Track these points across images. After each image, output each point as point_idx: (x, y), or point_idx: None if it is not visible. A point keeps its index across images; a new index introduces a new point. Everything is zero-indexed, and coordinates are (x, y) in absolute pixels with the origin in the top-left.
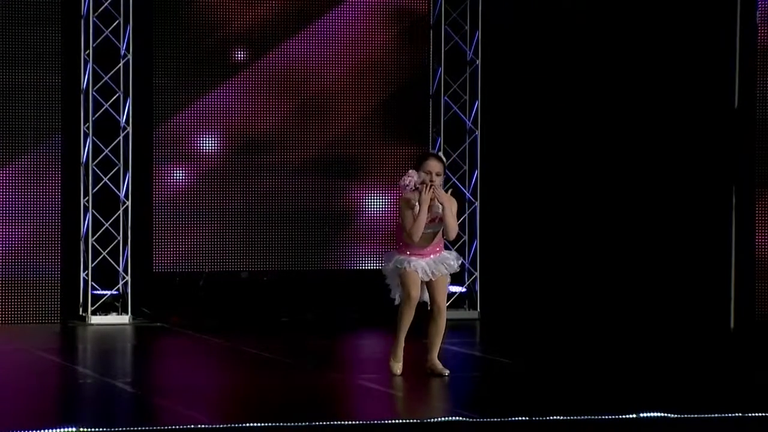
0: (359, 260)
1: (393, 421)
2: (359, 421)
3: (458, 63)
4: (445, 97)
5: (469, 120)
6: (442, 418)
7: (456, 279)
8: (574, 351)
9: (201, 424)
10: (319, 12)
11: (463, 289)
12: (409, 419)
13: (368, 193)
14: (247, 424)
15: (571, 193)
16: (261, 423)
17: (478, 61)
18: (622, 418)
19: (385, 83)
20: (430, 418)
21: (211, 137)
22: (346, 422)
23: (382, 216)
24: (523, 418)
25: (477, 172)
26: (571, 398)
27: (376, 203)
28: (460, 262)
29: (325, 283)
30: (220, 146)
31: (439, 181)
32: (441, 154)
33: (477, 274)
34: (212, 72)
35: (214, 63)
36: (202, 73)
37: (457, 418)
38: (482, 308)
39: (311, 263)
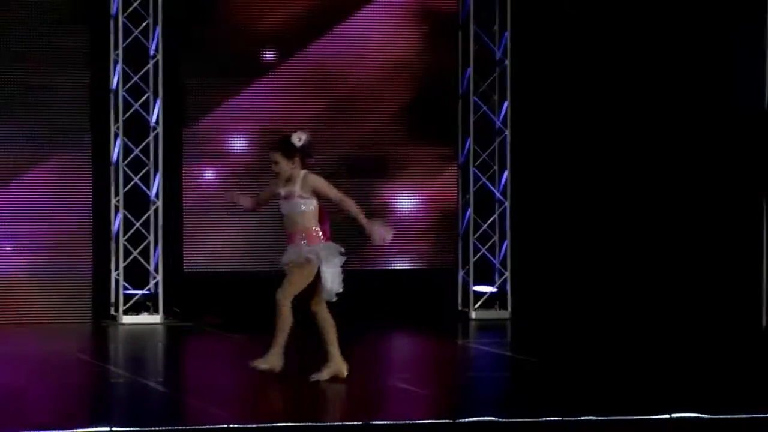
0: (388, 260)
1: (424, 422)
2: (391, 421)
3: (487, 63)
4: (474, 97)
5: (498, 120)
6: (473, 419)
7: (486, 279)
8: (605, 350)
9: (232, 424)
10: (348, 12)
11: (494, 289)
12: (441, 419)
13: (397, 194)
14: (278, 424)
15: (601, 192)
16: (291, 423)
17: (507, 61)
18: (655, 418)
19: (413, 83)
20: (462, 419)
21: (241, 137)
22: (378, 422)
23: (410, 216)
24: (555, 419)
25: (507, 172)
26: (603, 398)
27: (404, 203)
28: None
29: (354, 283)
30: (249, 146)
31: (277, 168)
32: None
33: (507, 274)
34: (242, 71)
35: (244, 63)
36: (231, 73)
37: (488, 418)
38: (513, 308)
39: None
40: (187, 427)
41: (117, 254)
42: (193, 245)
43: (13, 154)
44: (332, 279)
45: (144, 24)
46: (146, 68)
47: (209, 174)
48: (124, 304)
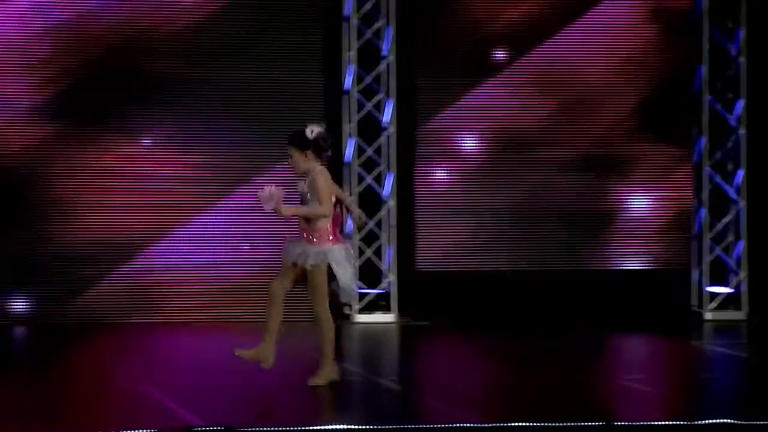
0: (621, 260)
1: (660, 423)
2: (627, 422)
3: (721, 60)
4: (708, 96)
5: (733, 118)
6: (711, 421)
7: (720, 279)
8: None
9: (466, 423)
10: (579, 11)
11: (730, 290)
12: (677, 421)
13: (630, 193)
14: (513, 424)
15: None
16: (526, 423)
17: (743, 59)
18: None
19: (645, 82)
20: (699, 421)
21: (472, 136)
22: (616, 423)
23: (643, 215)
24: None
25: (742, 171)
26: None
27: (637, 203)
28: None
29: (586, 283)
30: (481, 145)
31: (291, 162)
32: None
33: (743, 274)
34: (473, 71)
35: (475, 62)
36: (462, 73)
37: (726, 420)
38: (749, 309)
39: (573, 263)
40: (422, 426)
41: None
42: (425, 244)
43: (249, 156)
44: (346, 279)
45: (377, 25)
46: (379, 69)
47: (441, 173)
48: (358, 303)
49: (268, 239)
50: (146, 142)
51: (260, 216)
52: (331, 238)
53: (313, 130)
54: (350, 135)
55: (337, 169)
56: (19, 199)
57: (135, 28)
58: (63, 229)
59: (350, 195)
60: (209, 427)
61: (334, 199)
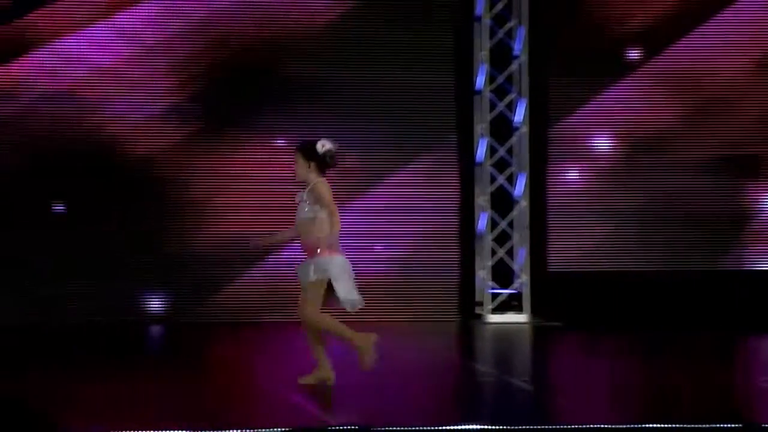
0: (756, 261)
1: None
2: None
3: None
4: None
5: None
6: None
7: None
8: None
9: (601, 424)
10: (713, 10)
11: None
12: None
13: (765, 193)
14: (652, 425)
15: None
16: (659, 425)
17: None
18: None
19: None
20: None
21: (605, 136)
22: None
23: None
24: None
25: None
26: None
27: None
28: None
29: (720, 284)
30: (613, 145)
31: (295, 168)
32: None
33: None
34: (606, 71)
35: (608, 61)
36: (595, 72)
37: None
38: None
39: (706, 263)
40: (554, 426)
41: (482, 253)
42: (558, 245)
43: (382, 155)
44: (345, 292)
45: (509, 25)
46: (511, 69)
47: (573, 173)
48: (491, 303)
49: (400, 240)
50: (280, 143)
51: (392, 217)
52: (333, 248)
53: (324, 146)
54: (482, 135)
55: (469, 170)
56: (158, 200)
57: (269, 30)
58: (199, 229)
59: (482, 195)
60: (345, 426)
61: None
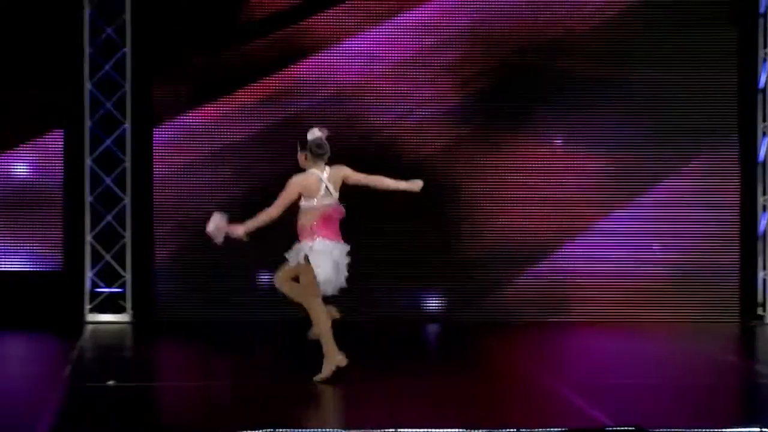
0: None
1: None
2: None
3: None
4: None
5: None
6: None
7: None
8: None
9: None
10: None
11: None
12: None
13: None
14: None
15: None
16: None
17: None
18: None
19: None
20: None
21: None
22: None
23: None
24: None
25: None
26: None
27: None
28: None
29: None
30: None
31: None
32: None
33: None
34: None
35: None
36: None
37: None
38: None
39: None
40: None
41: (765, 254)
42: None
43: (658, 156)
44: (323, 273)
45: None
46: None
47: None
48: None
49: (678, 240)
50: (557, 142)
51: (669, 217)
52: (315, 233)
53: (313, 134)
54: (765, 134)
55: (750, 168)
56: (435, 201)
57: (544, 29)
58: (475, 229)
59: (764, 195)
60: (620, 427)
61: (335, 192)
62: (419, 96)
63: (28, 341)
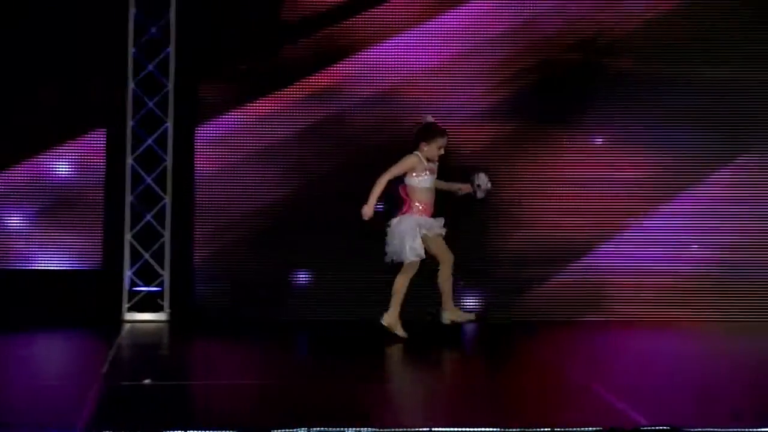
0: None
1: None
2: None
3: None
4: None
5: None
6: None
7: None
8: None
9: None
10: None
11: None
12: None
13: None
14: None
15: None
16: None
17: None
18: None
19: None
20: None
21: None
22: None
23: None
24: None
25: None
26: None
27: None
28: None
29: None
30: None
31: None
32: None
33: None
34: None
35: None
36: None
37: None
38: None
39: None
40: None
41: None
42: None
43: (700, 155)
44: (398, 245)
45: None
46: None
47: None
48: None
49: (717, 238)
50: (598, 141)
51: (711, 214)
52: (406, 210)
53: (425, 120)
54: None
55: None
56: (472, 200)
57: (591, 26)
58: (513, 228)
59: None
60: (655, 426)
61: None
62: (463, 94)
63: (67, 339)
